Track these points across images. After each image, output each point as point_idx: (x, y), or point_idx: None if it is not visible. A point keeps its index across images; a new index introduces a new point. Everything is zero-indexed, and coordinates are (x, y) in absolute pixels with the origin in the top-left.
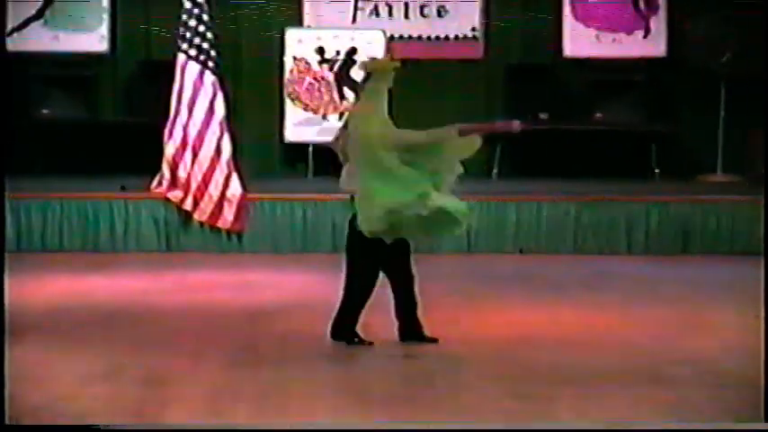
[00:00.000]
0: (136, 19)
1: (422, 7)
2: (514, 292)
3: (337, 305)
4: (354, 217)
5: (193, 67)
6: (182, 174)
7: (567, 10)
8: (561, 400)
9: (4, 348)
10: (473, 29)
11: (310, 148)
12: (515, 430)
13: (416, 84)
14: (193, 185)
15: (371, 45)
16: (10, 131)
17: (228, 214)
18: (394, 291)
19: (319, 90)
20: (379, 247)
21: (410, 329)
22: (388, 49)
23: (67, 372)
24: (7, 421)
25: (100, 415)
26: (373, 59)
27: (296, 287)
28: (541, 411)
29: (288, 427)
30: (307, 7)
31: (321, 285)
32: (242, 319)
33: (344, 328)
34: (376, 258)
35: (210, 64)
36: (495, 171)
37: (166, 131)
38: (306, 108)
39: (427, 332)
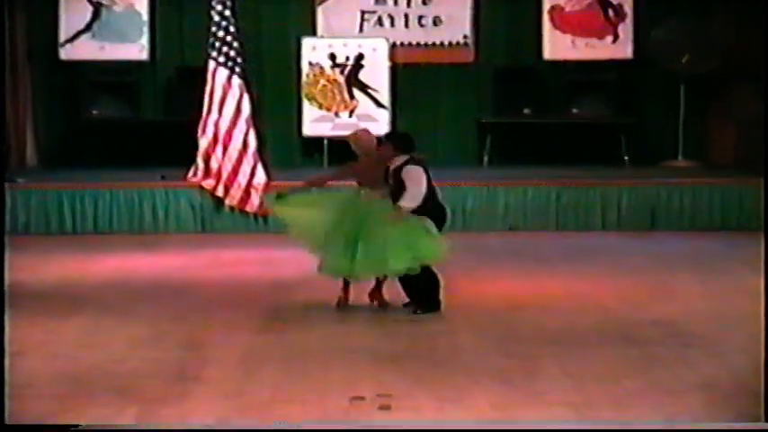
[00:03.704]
0: (171, 31)
1: (419, 18)
2: (505, 265)
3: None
4: None
5: (222, 72)
6: (214, 165)
7: (545, 18)
8: (546, 357)
9: (5, 349)
10: (464, 36)
11: (325, 142)
12: (519, 430)
13: (416, 84)
14: (224, 175)
15: (376, 51)
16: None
17: (255, 199)
18: None
19: (332, 91)
20: None
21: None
22: (392, 55)
23: (118, 337)
24: (7, 421)
25: (146, 375)
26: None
27: (314, 262)
28: (529, 367)
29: (289, 427)
30: (319, 19)
31: None
32: (268, 290)
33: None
34: None
35: (237, 69)
36: (485, 160)
37: (200, 128)
38: (320, 107)
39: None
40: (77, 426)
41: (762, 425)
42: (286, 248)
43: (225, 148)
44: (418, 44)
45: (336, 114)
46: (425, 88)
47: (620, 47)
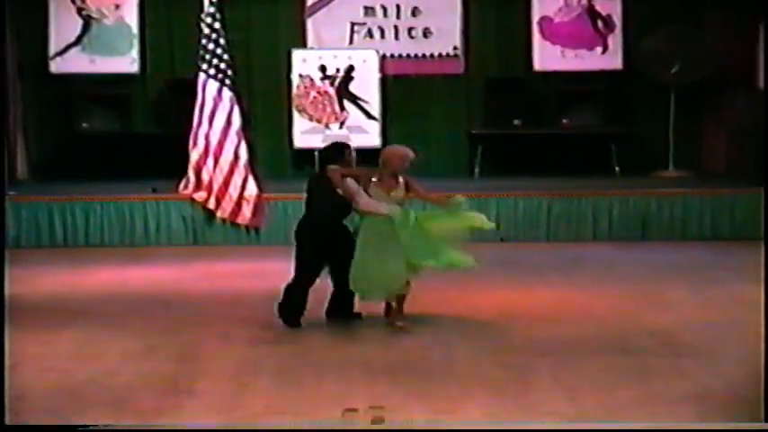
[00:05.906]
0: (162, 44)
1: (409, 29)
2: (497, 275)
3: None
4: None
5: (213, 85)
6: (205, 177)
7: (535, 30)
8: (540, 368)
9: (5, 349)
10: (455, 47)
11: (316, 153)
12: (518, 430)
13: (406, 96)
14: (215, 187)
15: (366, 63)
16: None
17: (247, 212)
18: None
19: (322, 103)
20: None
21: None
22: (382, 67)
23: (111, 350)
24: (7, 421)
25: (140, 388)
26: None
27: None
28: (523, 378)
29: (288, 427)
30: (309, 31)
31: (326, 273)
32: (261, 302)
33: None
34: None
35: (227, 81)
36: (477, 171)
37: (191, 140)
38: (311, 119)
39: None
40: (80, 426)
41: (762, 425)
42: (277, 261)
43: (216, 161)
44: (408, 56)
45: (327, 126)
46: (416, 100)
47: (610, 57)
